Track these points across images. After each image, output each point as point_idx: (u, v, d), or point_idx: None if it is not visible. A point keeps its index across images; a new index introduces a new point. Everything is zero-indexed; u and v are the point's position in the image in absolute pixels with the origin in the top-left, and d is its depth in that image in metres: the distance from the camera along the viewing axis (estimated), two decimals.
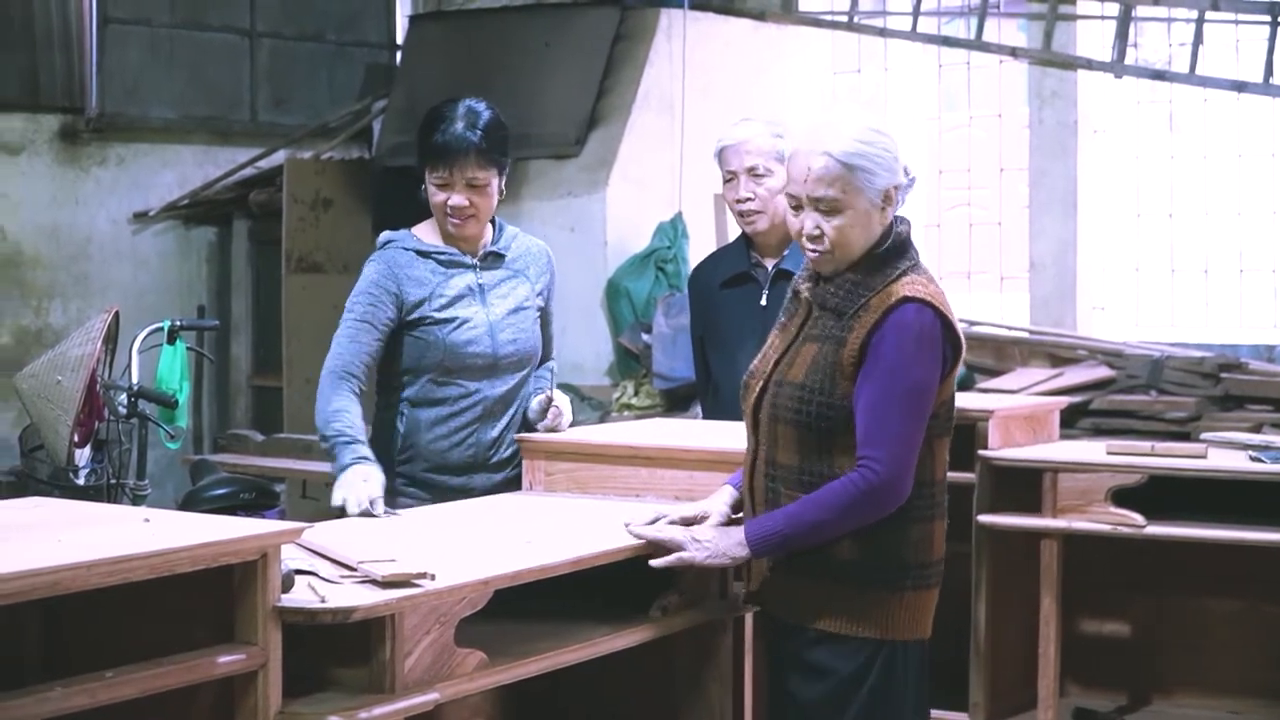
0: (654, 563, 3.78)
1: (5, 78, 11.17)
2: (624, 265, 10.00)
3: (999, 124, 10.57)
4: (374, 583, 3.29)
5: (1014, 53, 9.79)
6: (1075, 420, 8.22)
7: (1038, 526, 5.40)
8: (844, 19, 10.26)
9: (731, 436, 4.21)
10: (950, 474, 3.93)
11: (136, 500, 6.18)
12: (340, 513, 4.38)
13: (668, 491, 4.46)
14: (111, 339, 6.24)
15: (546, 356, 5.09)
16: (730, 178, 5.29)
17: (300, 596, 3.17)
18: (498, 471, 4.83)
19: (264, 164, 11.93)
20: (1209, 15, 8.85)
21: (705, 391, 5.54)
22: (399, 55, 12.34)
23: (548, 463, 4.77)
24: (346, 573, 3.37)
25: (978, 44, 9.75)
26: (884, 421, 3.67)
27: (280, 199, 11.22)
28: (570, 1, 11.00)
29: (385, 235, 4.94)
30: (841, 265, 3.80)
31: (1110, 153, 9.87)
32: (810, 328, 3.85)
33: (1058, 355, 9.09)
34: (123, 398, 6.16)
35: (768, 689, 4.02)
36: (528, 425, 4.92)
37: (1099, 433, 8.07)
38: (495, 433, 4.87)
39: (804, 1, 10.68)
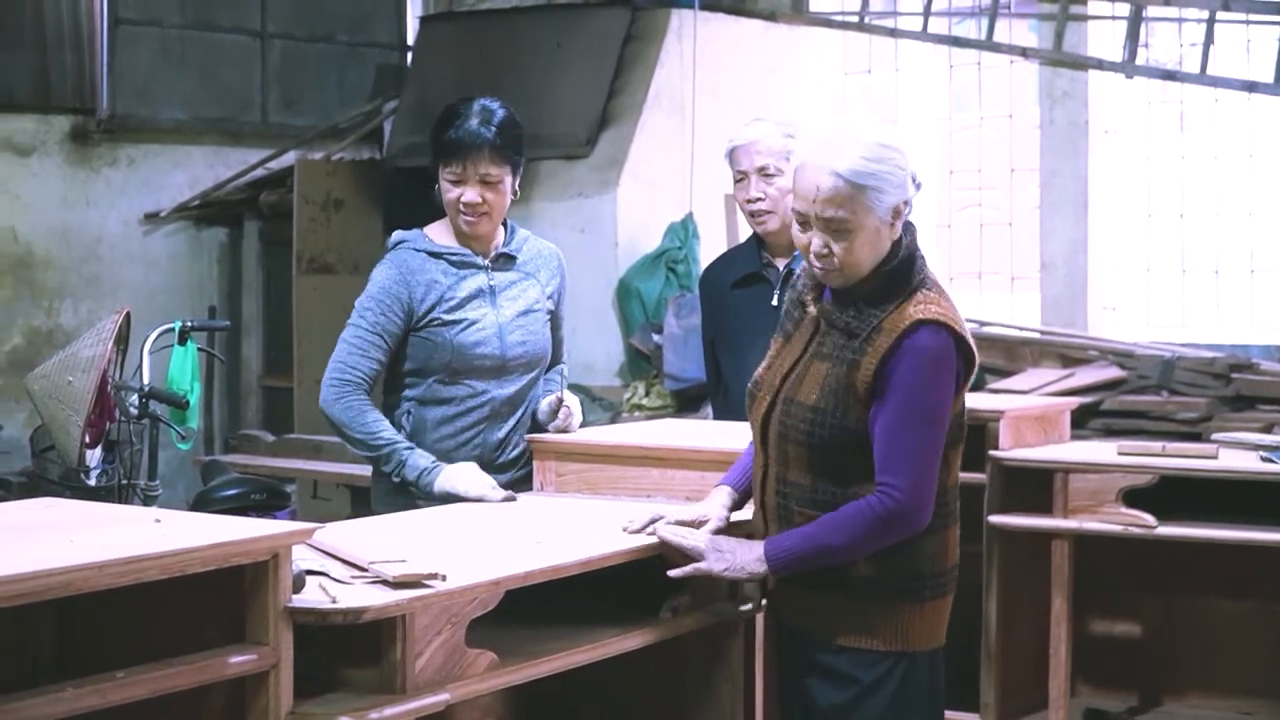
0: (673, 573, 3.77)
1: (16, 79, 11.20)
2: (635, 266, 10.00)
3: (1010, 124, 10.56)
4: (385, 583, 3.29)
5: (1025, 53, 9.78)
6: (1086, 421, 8.21)
7: (1049, 527, 5.40)
8: (855, 19, 10.26)
9: (742, 437, 4.20)
10: (961, 474, 3.93)
11: (147, 501, 6.18)
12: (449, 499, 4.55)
13: (679, 492, 4.46)
14: (122, 340, 6.24)
15: (557, 359, 5.09)
16: (741, 178, 5.29)
17: (311, 597, 3.18)
18: (504, 472, 4.82)
19: (275, 165, 11.94)
20: (1220, 15, 8.84)
21: (716, 392, 5.54)
22: (410, 56, 12.35)
23: (558, 463, 4.77)
24: (357, 573, 3.37)
25: (989, 44, 9.75)
26: (902, 448, 3.65)
27: (291, 200, 11.23)
28: (581, 2, 11.01)
29: (397, 235, 4.93)
30: (849, 281, 3.75)
31: (1121, 153, 9.86)
32: (819, 345, 3.80)
33: (1069, 356, 9.08)
34: (134, 398, 6.17)
35: (782, 693, 4.00)
36: (538, 426, 4.92)
37: (1110, 433, 8.06)
38: (502, 434, 4.87)
39: (815, 2, 10.69)
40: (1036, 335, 9.42)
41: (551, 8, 11.21)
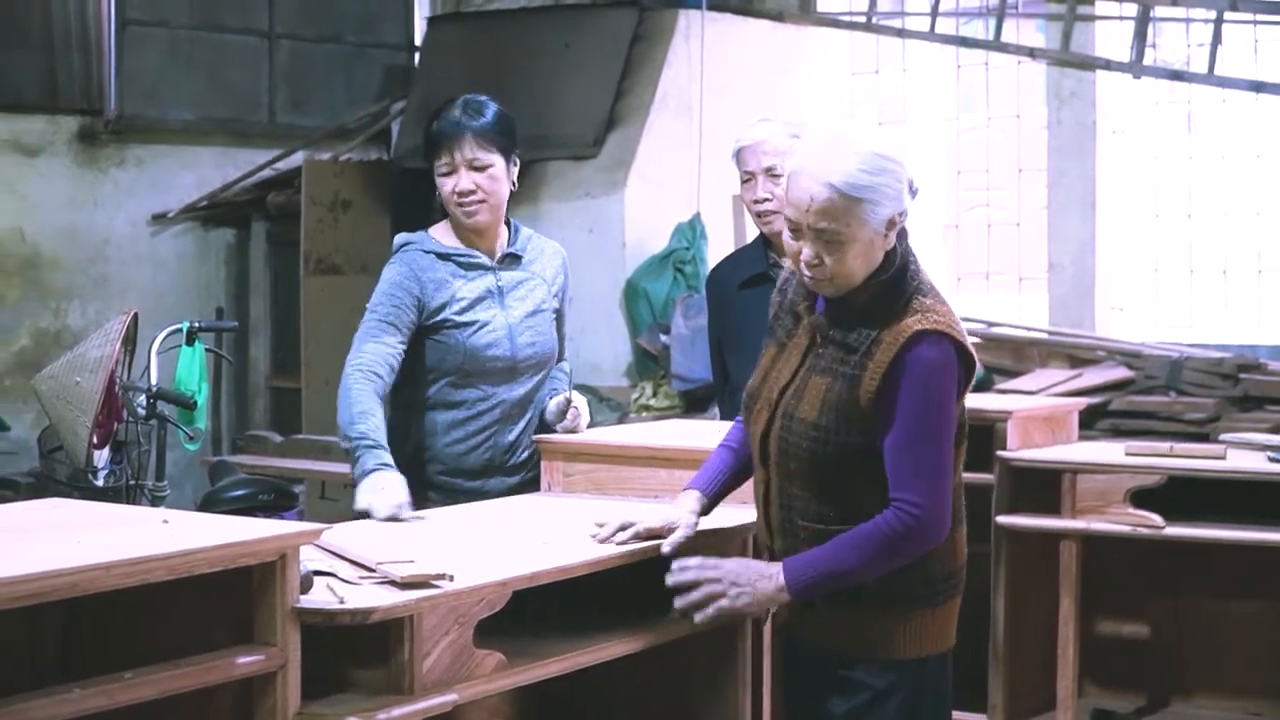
0: (698, 618, 3.68)
1: (24, 80, 11.20)
2: (642, 266, 10.00)
3: (1017, 125, 10.55)
4: (393, 584, 3.29)
5: (1032, 53, 9.78)
6: (1094, 421, 8.21)
7: (1057, 527, 5.40)
8: (862, 19, 10.26)
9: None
10: (969, 475, 3.92)
11: (155, 501, 6.19)
12: (362, 516, 4.36)
13: None
14: (130, 340, 6.25)
15: (560, 357, 5.08)
16: (748, 178, 5.29)
17: (319, 597, 3.18)
18: (513, 475, 4.81)
19: (282, 165, 11.94)
20: (1227, 15, 8.84)
21: (723, 392, 5.54)
22: (417, 57, 12.35)
23: (566, 464, 4.76)
24: (365, 574, 3.37)
25: (996, 45, 9.75)
26: (913, 462, 3.60)
27: (299, 200, 11.23)
28: (589, 3, 11.01)
29: (402, 237, 4.93)
30: (841, 290, 3.67)
31: (1129, 153, 9.86)
32: (816, 358, 3.74)
33: (1076, 356, 9.07)
34: (141, 399, 6.18)
35: (789, 700, 3.99)
36: (546, 427, 4.91)
37: (1118, 434, 8.05)
38: (513, 436, 4.87)
39: (822, 2, 10.69)
40: (1044, 336, 9.41)
41: (559, 8, 11.22)
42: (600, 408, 9.35)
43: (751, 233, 5.38)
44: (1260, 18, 9.00)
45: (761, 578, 3.68)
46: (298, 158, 11.80)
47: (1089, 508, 5.34)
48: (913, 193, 3.68)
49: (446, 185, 4.79)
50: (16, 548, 2.93)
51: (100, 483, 6.22)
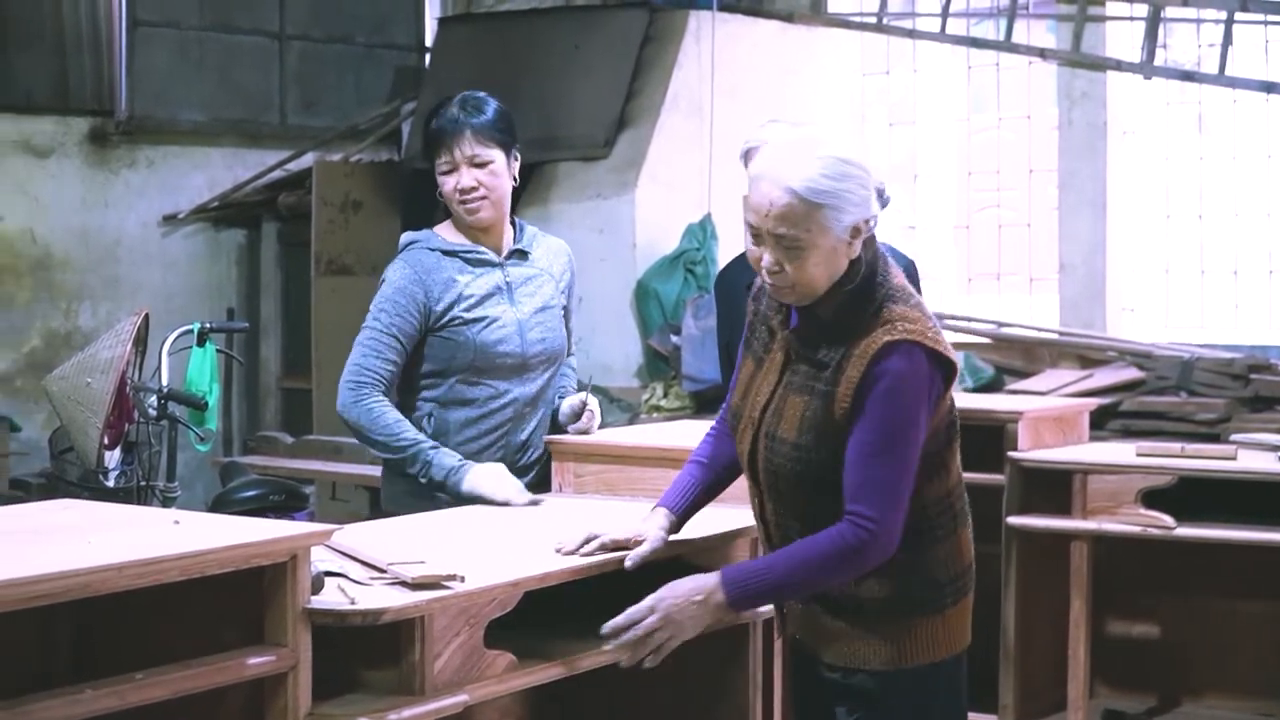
0: (647, 664, 3.60)
1: (35, 81, 11.22)
2: (653, 267, 10.00)
3: (1028, 125, 10.55)
4: (404, 584, 3.29)
5: (1043, 54, 9.77)
6: (1105, 422, 8.20)
7: (1067, 528, 5.40)
8: (873, 20, 10.25)
9: None
10: (979, 475, 3.92)
11: (166, 502, 6.20)
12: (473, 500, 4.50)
13: None
14: (141, 341, 6.25)
15: (567, 353, 5.09)
16: None
17: (330, 598, 3.18)
18: (523, 475, 4.78)
19: (293, 166, 11.95)
20: (1238, 16, 8.83)
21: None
22: (428, 57, 12.36)
23: (577, 465, 4.77)
24: (376, 574, 3.37)
25: (1007, 45, 9.73)
26: (871, 476, 3.51)
27: (309, 201, 11.24)
28: (599, 4, 11.01)
29: (408, 236, 4.92)
30: (805, 299, 3.58)
31: (1139, 154, 9.85)
32: (792, 374, 3.66)
33: (1087, 357, 9.07)
34: (152, 400, 6.18)
35: (798, 705, 3.97)
36: (558, 427, 4.91)
37: (1128, 434, 8.05)
38: (525, 435, 4.87)
39: (833, 3, 10.68)
40: (1055, 336, 9.41)
41: (570, 9, 11.22)
42: (611, 409, 9.36)
43: None
44: (1271, 18, 8.98)
45: (693, 601, 3.58)
46: (308, 158, 11.81)
47: (1100, 508, 5.34)
48: (882, 201, 3.58)
49: (448, 183, 4.80)
50: (28, 549, 2.93)
51: (111, 484, 6.22)
